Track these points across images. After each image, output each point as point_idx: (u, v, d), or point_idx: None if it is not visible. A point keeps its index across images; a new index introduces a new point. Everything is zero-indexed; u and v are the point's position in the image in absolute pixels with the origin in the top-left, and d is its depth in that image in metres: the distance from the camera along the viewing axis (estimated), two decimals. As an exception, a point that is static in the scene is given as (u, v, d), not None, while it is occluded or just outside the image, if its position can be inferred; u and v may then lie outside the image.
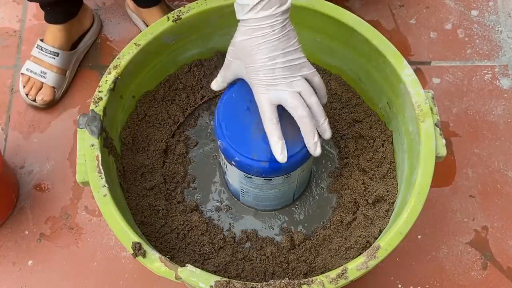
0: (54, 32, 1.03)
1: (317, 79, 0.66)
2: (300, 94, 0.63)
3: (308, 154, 0.67)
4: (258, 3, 0.60)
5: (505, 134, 1.04)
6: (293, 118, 0.63)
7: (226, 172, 0.78)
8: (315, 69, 0.66)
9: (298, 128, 0.64)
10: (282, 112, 0.64)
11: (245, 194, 0.78)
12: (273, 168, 0.67)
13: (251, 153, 0.67)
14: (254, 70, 0.63)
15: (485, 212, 0.97)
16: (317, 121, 0.65)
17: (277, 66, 0.62)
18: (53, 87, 1.04)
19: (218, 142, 0.69)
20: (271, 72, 0.62)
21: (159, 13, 1.07)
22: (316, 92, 0.66)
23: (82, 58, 1.10)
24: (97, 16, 1.12)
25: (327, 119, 0.65)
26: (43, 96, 1.03)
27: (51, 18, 1.03)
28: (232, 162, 0.69)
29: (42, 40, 1.05)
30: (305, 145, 0.65)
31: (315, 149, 0.64)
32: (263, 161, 0.67)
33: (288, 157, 0.64)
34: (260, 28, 0.61)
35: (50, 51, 1.03)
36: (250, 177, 0.71)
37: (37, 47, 1.04)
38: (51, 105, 1.05)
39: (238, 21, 0.63)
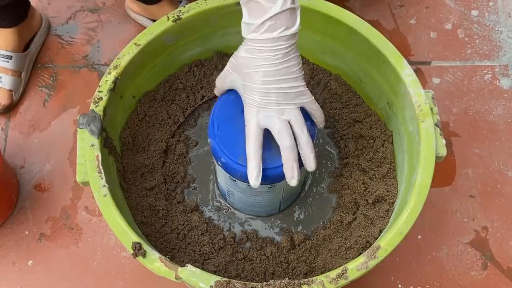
0: (6, 36, 1.03)
1: (314, 106, 0.65)
2: (289, 123, 0.62)
3: None
4: (262, 23, 0.58)
5: (505, 134, 1.04)
6: None
7: (216, 171, 0.78)
8: (313, 98, 0.65)
9: None
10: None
11: (231, 195, 0.78)
12: None
13: (237, 156, 0.65)
14: (250, 89, 0.62)
15: (485, 212, 0.97)
16: (302, 152, 0.63)
17: (272, 91, 0.61)
18: (10, 90, 1.04)
19: (209, 140, 0.69)
20: (265, 96, 0.61)
21: (169, 6, 1.07)
22: (312, 119, 0.66)
23: (80, 58, 1.10)
24: (44, 16, 1.12)
25: (313, 153, 0.64)
26: (1, 101, 1.03)
27: (2, 22, 1.02)
28: (219, 163, 0.68)
29: None
30: None
31: (291, 179, 0.63)
32: None
33: (273, 168, 0.65)
34: (262, 50, 0.60)
35: (3, 55, 1.03)
36: (235, 181, 0.70)
37: None
38: (10, 109, 1.05)
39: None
